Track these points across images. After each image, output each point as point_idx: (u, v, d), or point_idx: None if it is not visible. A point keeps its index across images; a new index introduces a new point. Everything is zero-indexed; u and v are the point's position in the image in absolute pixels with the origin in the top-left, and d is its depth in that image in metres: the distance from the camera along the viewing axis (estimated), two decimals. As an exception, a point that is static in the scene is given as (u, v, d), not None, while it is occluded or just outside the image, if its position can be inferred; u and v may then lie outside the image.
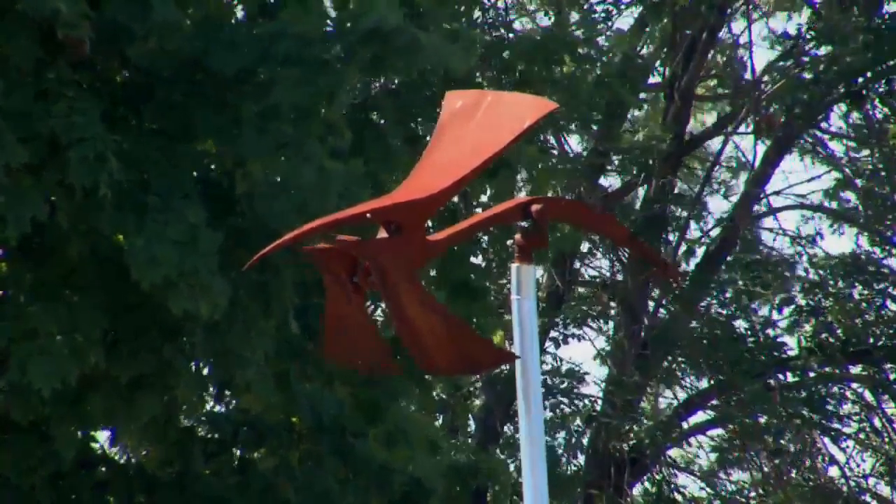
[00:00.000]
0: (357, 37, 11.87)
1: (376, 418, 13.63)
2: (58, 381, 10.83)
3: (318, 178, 11.15)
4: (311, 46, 11.43)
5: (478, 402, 22.86)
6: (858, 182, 22.13)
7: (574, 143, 22.86)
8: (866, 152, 22.43)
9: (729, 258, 22.42)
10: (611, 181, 23.74)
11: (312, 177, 11.12)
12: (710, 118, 24.50)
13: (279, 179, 11.50)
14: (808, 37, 20.80)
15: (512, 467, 20.54)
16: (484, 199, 17.14)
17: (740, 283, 22.08)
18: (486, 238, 17.57)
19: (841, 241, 22.84)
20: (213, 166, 12.35)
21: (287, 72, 11.38)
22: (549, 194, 18.68)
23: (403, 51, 11.91)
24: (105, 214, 10.78)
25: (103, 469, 13.23)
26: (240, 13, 12.78)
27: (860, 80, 20.49)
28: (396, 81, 15.05)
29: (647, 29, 22.08)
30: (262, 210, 11.28)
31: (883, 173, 21.73)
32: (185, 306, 10.63)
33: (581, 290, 24.08)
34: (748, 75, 22.43)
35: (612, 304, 23.25)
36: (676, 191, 22.89)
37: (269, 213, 11.22)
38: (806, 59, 20.95)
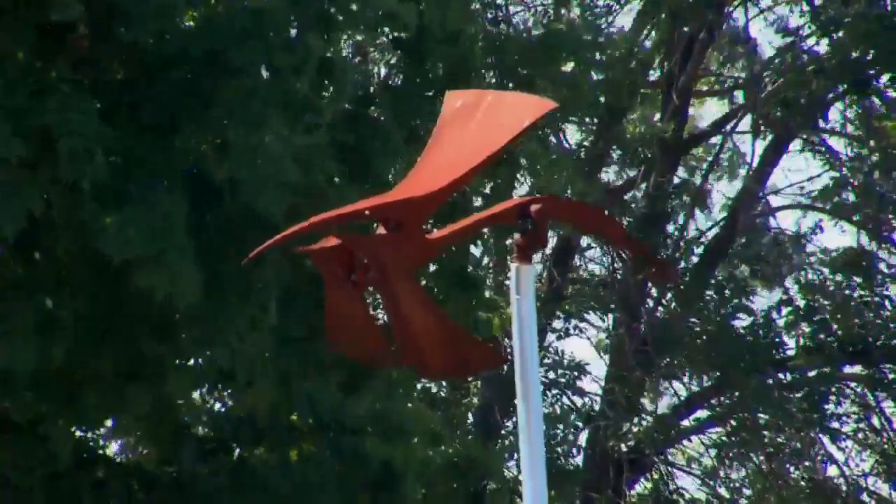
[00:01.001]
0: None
1: (356, 391, 13.56)
2: (32, 365, 10.84)
3: (278, 145, 11.16)
4: (265, 18, 11.44)
5: (476, 400, 22.87)
6: (856, 181, 22.13)
7: (572, 138, 22.92)
8: (865, 151, 22.43)
9: (730, 251, 22.45)
10: (611, 177, 23.78)
11: (274, 145, 11.12)
12: (708, 117, 24.55)
13: (247, 150, 11.46)
14: (809, 29, 20.84)
15: (512, 464, 20.56)
16: (479, 198, 17.14)
17: (741, 271, 22.11)
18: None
19: (840, 239, 22.84)
20: (200, 159, 12.36)
21: (248, 46, 11.40)
22: (553, 189, 18.68)
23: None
24: (87, 206, 10.80)
25: (101, 468, 13.24)
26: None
27: (869, 70, 20.52)
28: (396, 79, 15.04)
29: (646, 29, 22.07)
30: (242, 186, 11.27)
31: (876, 173, 21.73)
32: (152, 283, 10.65)
33: (580, 286, 24.07)
34: (745, 72, 22.47)
35: (612, 303, 23.26)
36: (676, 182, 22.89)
37: (247, 189, 11.22)
38: (806, 53, 20.96)
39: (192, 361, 12.87)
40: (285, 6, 11.84)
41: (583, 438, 22.37)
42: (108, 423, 13.64)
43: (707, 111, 24.83)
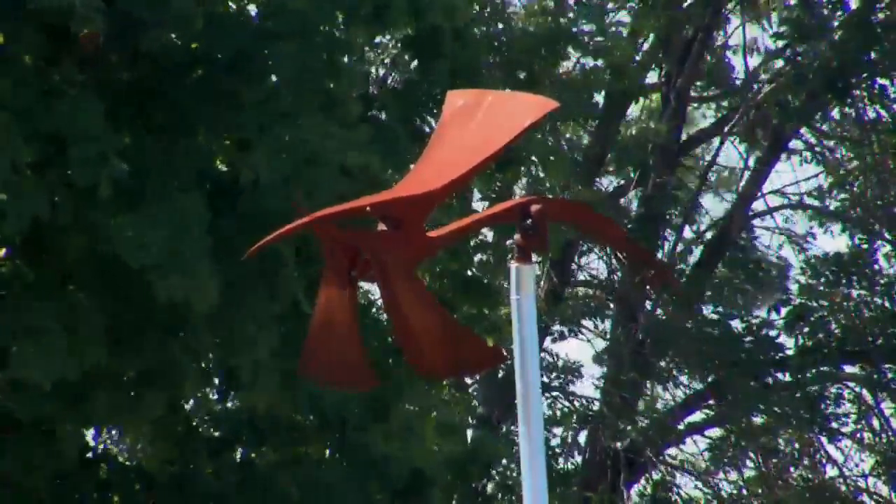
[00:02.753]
0: None
1: (384, 416, 13.63)
2: (57, 375, 10.80)
3: (321, 138, 11.10)
4: (309, 19, 11.41)
5: (476, 402, 22.87)
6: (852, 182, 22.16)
7: (571, 137, 22.91)
8: (857, 153, 22.45)
9: (724, 257, 22.47)
10: (609, 179, 23.80)
11: (315, 136, 11.06)
12: (705, 120, 24.56)
13: (279, 142, 11.37)
14: (784, 32, 20.90)
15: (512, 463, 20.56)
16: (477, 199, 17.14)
17: (735, 281, 22.12)
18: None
19: (837, 240, 22.84)
20: (217, 162, 12.33)
21: (286, 46, 11.35)
22: (555, 189, 18.70)
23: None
24: (103, 207, 10.77)
25: (105, 468, 13.23)
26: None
27: (849, 76, 20.56)
28: (396, 80, 14.99)
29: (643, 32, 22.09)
30: (265, 181, 11.19)
31: (874, 179, 21.74)
32: (173, 293, 10.61)
33: (580, 290, 24.08)
34: (741, 75, 22.51)
35: (610, 302, 23.27)
36: (672, 191, 22.90)
37: (272, 180, 11.14)
38: (792, 58, 21.02)
39: (202, 363, 12.84)
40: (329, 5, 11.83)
41: (581, 439, 22.38)
42: (114, 426, 13.62)
43: (705, 113, 24.87)
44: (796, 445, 21.67)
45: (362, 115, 12.75)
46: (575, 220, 6.19)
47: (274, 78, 11.58)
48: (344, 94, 12.03)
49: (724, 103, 23.26)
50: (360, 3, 11.91)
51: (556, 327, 22.74)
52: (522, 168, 17.04)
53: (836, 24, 20.65)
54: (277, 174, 11.14)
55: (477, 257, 18.09)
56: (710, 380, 22.10)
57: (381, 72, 16.16)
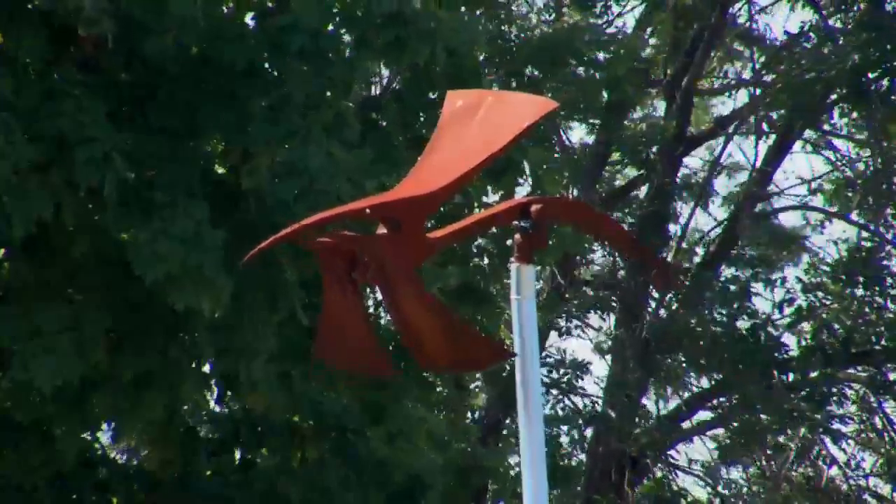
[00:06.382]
0: (373, 23, 11.81)
1: (380, 419, 13.64)
2: (60, 378, 10.80)
3: (325, 163, 11.09)
4: (323, 38, 11.41)
5: (478, 401, 22.85)
6: (858, 181, 22.15)
7: (575, 138, 22.94)
8: (867, 153, 22.44)
9: (730, 256, 22.48)
10: (613, 178, 23.80)
11: (320, 162, 11.05)
12: (711, 115, 24.55)
13: (286, 166, 11.36)
14: (809, 33, 20.90)
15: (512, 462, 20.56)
16: (487, 199, 17.09)
17: (741, 274, 22.14)
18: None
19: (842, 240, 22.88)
20: (217, 164, 12.33)
21: (298, 64, 11.35)
22: (555, 193, 18.66)
23: (425, 33, 11.81)
24: (110, 212, 10.76)
25: (104, 469, 13.23)
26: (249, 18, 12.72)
27: (868, 76, 20.52)
28: (398, 85, 14.98)
29: (649, 29, 22.07)
30: (269, 199, 11.20)
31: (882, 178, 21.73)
32: (188, 302, 10.59)
33: (583, 288, 24.08)
34: (748, 73, 22.51)
35: (613, 301, 23.27)
36: (677, 189, 22.91)
37: (275, 200, 11.14)
38: (805, 59, 21.00)
39: (201, 366, 12.84)
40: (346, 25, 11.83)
41: (586, 438, 22.38)
42: (111, 426, 13.61)
43: (711, 110, 24.87)
44: (799, 445, 21.66)
45: (362, 127, 12.74)
46: (575, 218, 6.20)
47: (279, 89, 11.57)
48: (347, 112, 12.04)
49: (732, 100, 23.32)
50: (378, 32, 11.85)
51: (565, 323, 22.74)
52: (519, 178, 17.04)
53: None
54: (280, 197, 11.13)
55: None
56: (714, 379, 22.10)
57: (378, 75, 16.16)
